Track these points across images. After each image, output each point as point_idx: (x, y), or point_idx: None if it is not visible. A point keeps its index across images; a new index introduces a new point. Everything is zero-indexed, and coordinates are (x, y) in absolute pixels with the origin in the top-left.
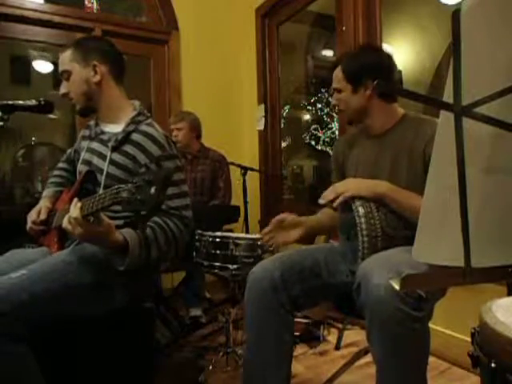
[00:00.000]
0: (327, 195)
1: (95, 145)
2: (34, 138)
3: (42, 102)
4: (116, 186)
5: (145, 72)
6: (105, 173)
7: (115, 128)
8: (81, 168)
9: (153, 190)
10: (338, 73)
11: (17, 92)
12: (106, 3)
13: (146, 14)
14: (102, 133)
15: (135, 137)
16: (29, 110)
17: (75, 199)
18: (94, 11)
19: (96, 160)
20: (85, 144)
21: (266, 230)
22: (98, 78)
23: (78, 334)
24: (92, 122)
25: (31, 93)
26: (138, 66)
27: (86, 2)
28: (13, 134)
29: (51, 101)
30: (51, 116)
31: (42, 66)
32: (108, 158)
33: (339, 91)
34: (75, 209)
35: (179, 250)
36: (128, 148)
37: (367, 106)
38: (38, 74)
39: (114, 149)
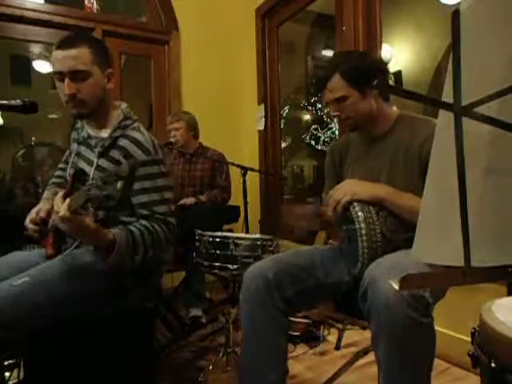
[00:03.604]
0: (329, 205)
1: (83, 149)
2: (33, 138)
3: (27, 103)
4: (88, 183)
5: (145, 72)
6: (90, 178)
7: (102, 133)
8: (71, 171)
9: (119, 184)
10: (336, 82)
11: (17, 92)
12: (106, 3)
13: (146, 13)
14: (89, 137)
15: (121, 142)
16: (13, 110)
17: (59, 195)
18: (94, 11)
19: (83, 165)
20: (74, 147)
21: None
22: (111, 85)
23: (78, 334)
24: (79, 125)
25: (31, 93)
26: (138, 65)
27: (86, 2)
28: (13, 134)
29: (36, 101)
30: (51, 116)
31: (42, 66)
32: (95, 163)
33: (343, 99)
34: (63, 206)
35: (162, 254)
36: (114, 153)
37: (375, 107)
38: (38, 74)
39: (101, 154)
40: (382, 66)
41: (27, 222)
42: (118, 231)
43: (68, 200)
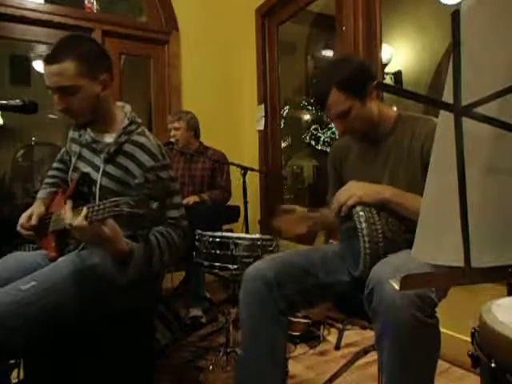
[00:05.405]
0: (334, 208)
1: (87, 153)
2: (33, 138)
3: (27, 102)
4: (114, 199)
5: (145, 72)
6: (98, 185)
7: (107, 138)
8: (73, 176)
9: (155, 205)
10: (336, 97)
11: (17, 92)
12: (105, 3)
13: (146, 14)
14: (94, 141)
15: (127, 147)
16: (13, 110)
17: (69, 204)
18: (94, 11)
19: (87, 169)
20: (76, 148)
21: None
22: (106, 93)
23: (77, 334)
24: None
25: (31, 93)
26: (138, 65)
27: (86, 2)
28: (13, 134)
29: (35, 101)
30: (51, 116)
31: (42, 66)
32: (101, 170)
33: (347, 113)
34: (81, 217)
35: (177, 259)
36: (121, 159)
37: (376, 110)
38: (38, 74)
39: (107, 160)
40: (370, 66)
41: (18, 227)
42: (136, 243)
43: (85, 210)
